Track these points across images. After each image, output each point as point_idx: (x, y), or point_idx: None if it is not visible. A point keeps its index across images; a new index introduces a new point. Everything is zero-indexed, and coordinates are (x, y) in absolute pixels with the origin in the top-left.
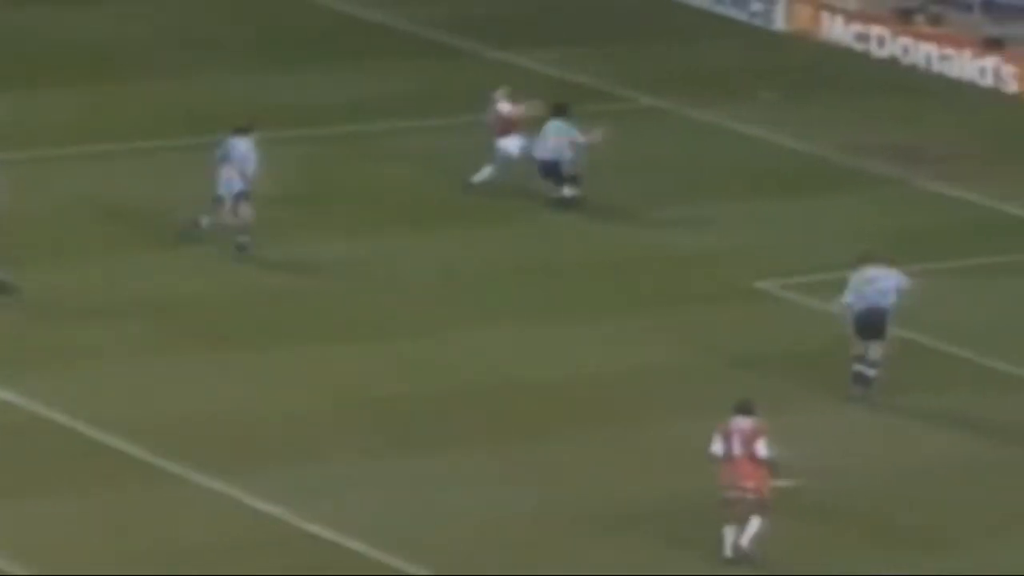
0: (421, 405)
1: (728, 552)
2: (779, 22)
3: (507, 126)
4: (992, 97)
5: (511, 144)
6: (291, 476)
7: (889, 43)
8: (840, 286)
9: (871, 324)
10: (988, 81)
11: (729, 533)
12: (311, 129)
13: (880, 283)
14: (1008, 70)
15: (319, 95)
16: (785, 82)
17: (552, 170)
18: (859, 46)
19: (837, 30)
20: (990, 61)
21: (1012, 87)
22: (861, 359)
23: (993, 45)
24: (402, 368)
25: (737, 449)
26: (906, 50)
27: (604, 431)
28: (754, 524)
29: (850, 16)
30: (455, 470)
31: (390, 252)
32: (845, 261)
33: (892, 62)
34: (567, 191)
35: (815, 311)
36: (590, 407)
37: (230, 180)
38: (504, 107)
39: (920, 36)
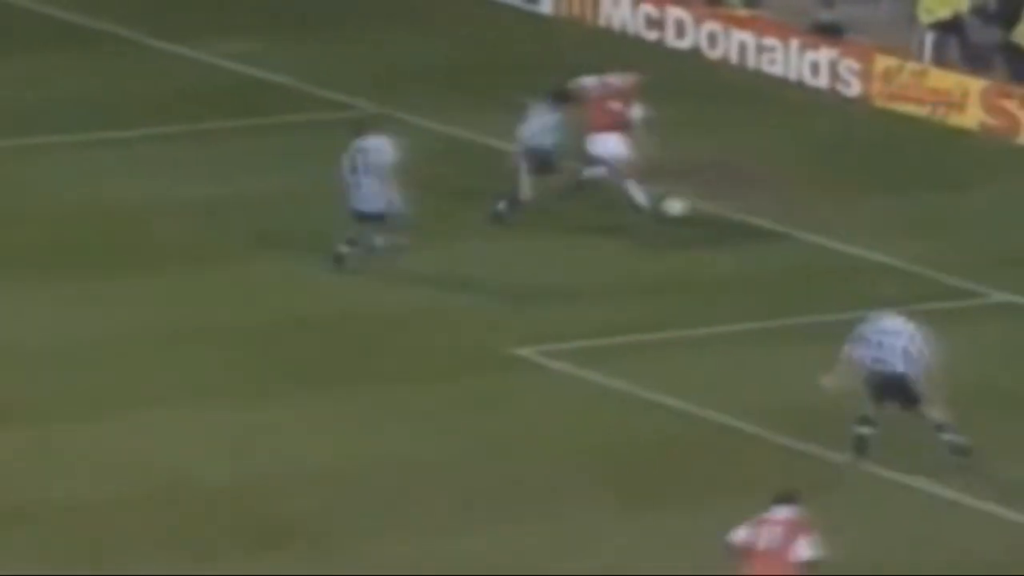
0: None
1: None
2: (546, 3)
3: (605, 116)
4: (827, 101)
5: (610, 144)
6: None
7: (691, 30)
8: (627, 352)
9: (891, 392)
10: (822, 80)
11: None
12: None
13: (889, 340)
14: (847, 65)
15: None
16: (551, 82)
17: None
18: (651, 34)
19: (622, 14)
20: (824, 54)
21: (853, 88)
22: (867, 421)
23: (828, 33)
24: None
25: (763, 543)
26: (713, 40)
27: (288, 553)
28: None
29: None
30: None
31: (36, 309)
32: (633, 317)
33: (694, 55)
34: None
35: (594, 385)
36: (277, 520)
37: (372, 194)
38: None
39: (732, 22)
